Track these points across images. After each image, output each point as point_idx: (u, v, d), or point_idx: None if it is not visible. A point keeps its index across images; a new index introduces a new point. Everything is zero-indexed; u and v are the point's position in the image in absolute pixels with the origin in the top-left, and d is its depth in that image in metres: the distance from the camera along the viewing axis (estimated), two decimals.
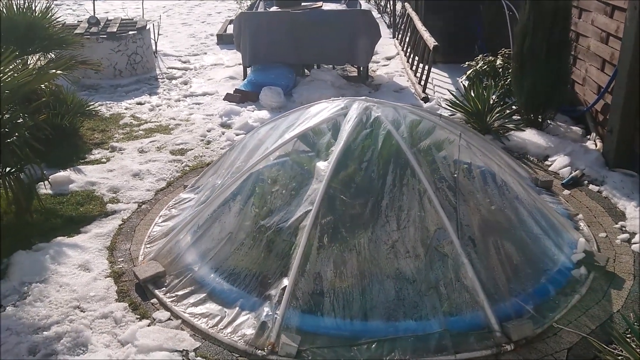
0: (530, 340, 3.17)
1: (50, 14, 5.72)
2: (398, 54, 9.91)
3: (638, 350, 2.82)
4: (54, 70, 4.36)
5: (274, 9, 8.27)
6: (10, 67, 4.21)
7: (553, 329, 3.27)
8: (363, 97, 4.14)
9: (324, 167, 3.65)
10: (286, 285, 3.31)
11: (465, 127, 4.82)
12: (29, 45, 5.55)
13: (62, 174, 5.20)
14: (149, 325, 3.36)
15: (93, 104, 6.63)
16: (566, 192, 4.91)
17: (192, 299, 3.55)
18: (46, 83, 4.87)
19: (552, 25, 5.51)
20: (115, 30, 8.72)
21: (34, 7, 5.67)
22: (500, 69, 6.70)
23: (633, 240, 4.11)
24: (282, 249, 3.52)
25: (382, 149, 3.70)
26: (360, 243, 3.46)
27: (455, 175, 3.76)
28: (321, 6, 8.10)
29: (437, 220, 3.48)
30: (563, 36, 5.60)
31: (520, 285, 3.52)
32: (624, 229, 4.30)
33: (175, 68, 9.35)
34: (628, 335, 3.18)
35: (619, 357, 2.96)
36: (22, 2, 5.64)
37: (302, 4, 8.24)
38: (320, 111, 4.13)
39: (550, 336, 3.22)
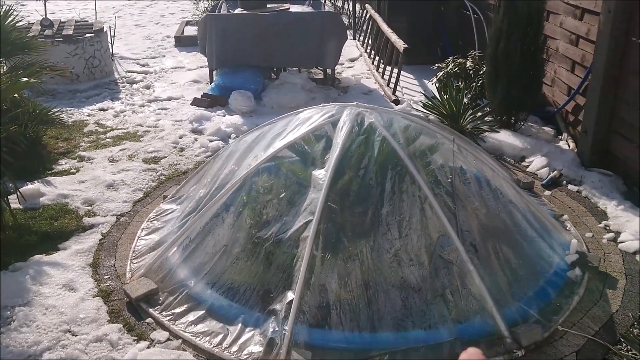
0: (539, 345, 3.18)
1: (12, 18, 5.39)
2: (361, 55, 9.90)
3: None
4: (26, 79, 4.09)
5: (238, 10, 8.10)
6: None
7: (559, 332, 3.29)
8: (354, 103, 4.06)
9: (321, 175, 3.56)
10: (292, 299, 3.21)
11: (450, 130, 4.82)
12: None
13: (31, 186, 4.92)
14: (148, 347, 3.20)
15: (55, 111, 6.32)
16: (547, 192, 4.99)
17: (190, 317, 3.41)
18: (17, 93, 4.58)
19: (526, 28, 5.59)
20: (71, 32, 8.36)
21: None
22: (471, 71, 6.77)
23: (619, 239, 4.20)
24: (282, 261, 3.42)
25: (378, 156, 3.65)
26: (362, 252, 3.40)
27: (450, 179, 3.75)
28: (288, 8, 7.99)
29: (439, 227, 3.45)
30: (537, 39, 5.69)
31: (521, 289, 3.54)
32: (608, 228, 4.39)
33: (134, 72, 9.05)
34: (631, 335, 3.24)
35: (627, 357, 3.01)
36: None
37: (268, 5, 8.10)
38: (309, 118, 4.04)
39: (557, 339, 3.25)
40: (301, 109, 4.27)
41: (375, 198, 3.53)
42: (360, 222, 3.51)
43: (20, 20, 6.07)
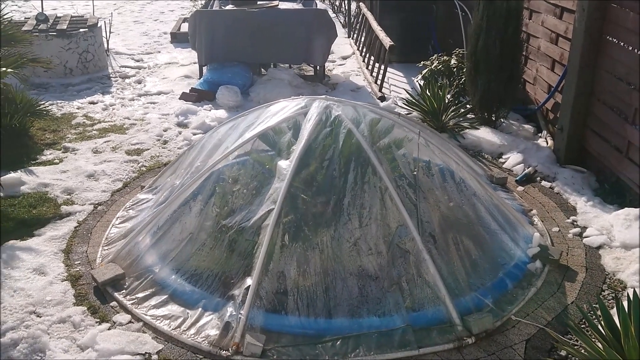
0: (490, 333, 3.25)
1: None
2: (354, 53, 9.98)
3: (593, 339, 2.92)
4: (4, 69, 4.19)
5: (229, 7, 8.20)
6: None
7: (511, 322, 3.36)
8: (323, 96, 4.15)
9: (285, 166, 3.64)
10: (250, 285, 3.29)
11: (422, 125, 4.90)
12: None
13: (12, 175, 5.03)
14: (109, 329, 3.29)
15: (43, 103, 6.44)
16: (520, 188, 5.05)
17: (153, 301, 3.50)
18: None
19: (505, 26, 5.65)
20: (65, 27, 8.49)
21: None
22: (455, 69, 6.84)
23: (584, 234, 4.26)
24: (244, 248, 3.50)
25: (343, 148, 3.73)
26: (323, 241, 3.48)
27: (415, 172, 3.81)
28: (277, 5, 8.08)
29: (398, 218, 3.53)
30: (515, 36, 5.75)
31: (479, 280, 3.60)
32: (575, 223, 4.45)
33: (128, 67, 9.17)
34: (583, 326, 3.30)
35: (575, 347, 3.07)
36: None
37: (258, 2, 8.19)
38: (280, 110, 4.12)
39: (509, 328, 3.31)
40: (274, 102, 4.36)
41: (338, 189, 3.60)
42: (322, 211, 3.58)
43: (7, 13, 6.16)
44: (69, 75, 8.46)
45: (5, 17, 5.86)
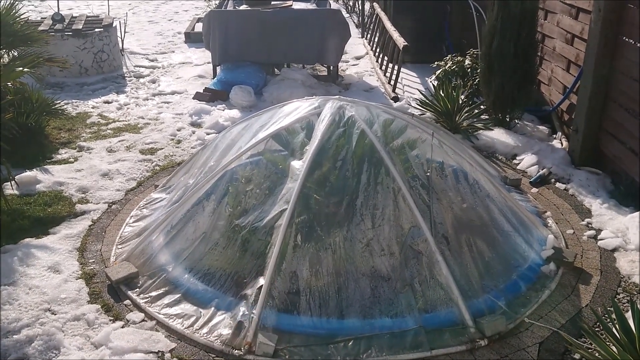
0: (503, 336, 3.23)
1: (14, 11, 5.57)
2: (367, 53, 9.97)
3: (607, 342, 2.90)
4: (20, 68, 4.23)
5: (243, 7, 8.23)
6: None
7: (525, 324, 3.33)
8: (336, 97, 4.15)
9: (298, 166, 3.65)
10: (262, 285, 3.30)
11: (436, 126, 4.88)
12: None
13: (28, 174, 5.08)
14: (122, 327, 3.31)
15: (59, 103, 6.50)
16: (534, 190, 5.02)
17: (166, 300, 3.52)
18: (11, 81, 4.73)
19: (519, 27, 5.62)
20: (80, 27, 8.56)
21: None
22: (469, 69, 6.81)
23: (599, 237, 4.22)
24: (257, 248, 3.51)
25: (356, 148, 3.72)
26: (335, 242, 3.48)
27: (428, 173, 3.80)
28: (291, 5, 8.09)
29: (411, 219, 3.52)
30: (530, 37, 5.71)
31: (492, 282, 3.58)
32: (590, 225, 4.41)
33: (142, 66, 9.23)
34: (597, 329, 3.27)
35: (589, 350, 3.04)
36: None
37: (272, 2, 8.22)
38: (293, 110, 4.13)
39: (523, 331, 3.29)
40: (287, 102, 4.37)
41: (350, 189, 3.60)
42: (335, 212, 3.58)
43: (25, 13, 6.22)
44: (84, 74, 8.53)
45: (22, 16, 5.91)
